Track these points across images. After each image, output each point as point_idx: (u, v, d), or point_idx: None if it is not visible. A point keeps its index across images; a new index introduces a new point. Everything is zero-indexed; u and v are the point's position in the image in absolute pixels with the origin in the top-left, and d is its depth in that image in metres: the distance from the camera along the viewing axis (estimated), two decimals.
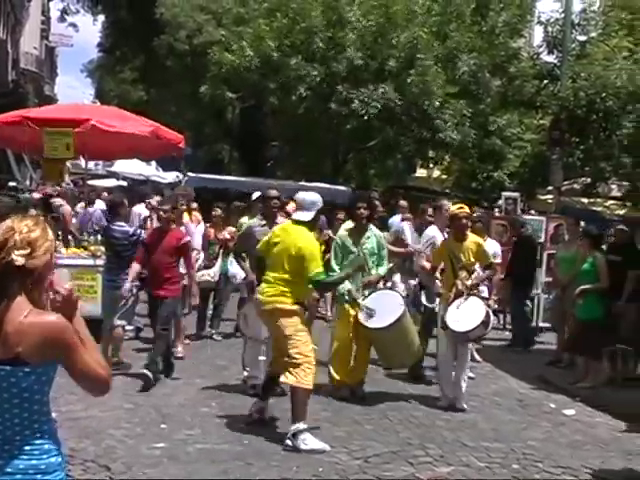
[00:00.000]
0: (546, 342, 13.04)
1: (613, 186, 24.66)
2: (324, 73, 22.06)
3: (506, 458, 7.37)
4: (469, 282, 9.18)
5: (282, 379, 7.56)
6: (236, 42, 23.39)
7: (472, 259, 9.32)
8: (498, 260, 12.04)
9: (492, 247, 12.01)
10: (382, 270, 9.46)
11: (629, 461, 7.46)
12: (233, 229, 13.02)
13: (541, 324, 14.80)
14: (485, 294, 11.29)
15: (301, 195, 7.98)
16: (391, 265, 10.44)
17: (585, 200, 24.09)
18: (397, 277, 11.66)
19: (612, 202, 24.45)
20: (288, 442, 7.25)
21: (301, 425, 7.30)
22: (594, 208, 22.95)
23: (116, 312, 10.17)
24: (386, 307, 8.92)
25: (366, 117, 21.63)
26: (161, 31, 29.94)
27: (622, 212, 22.72)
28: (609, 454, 7.75)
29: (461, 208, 9.46)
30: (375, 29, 22.22)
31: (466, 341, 9.31)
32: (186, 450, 7.14)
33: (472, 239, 9.45)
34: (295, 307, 7.51)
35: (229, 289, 13.04)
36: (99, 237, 12.23)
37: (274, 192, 9.36)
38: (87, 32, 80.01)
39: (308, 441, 7.23)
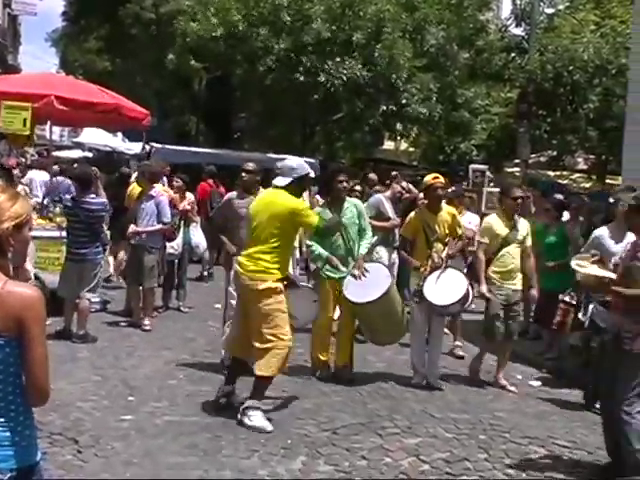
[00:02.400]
0: None
1: (579, 159, 24.88)
2: (291, 44, 21.94)
3: (473, 429, 7.43)
4: (444, 254, 8.95)
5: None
6: (202, 11, 23.18)
7: (447, 231, 9.09)
8: (472, 227, 11.58)
9: (470, 219, 11.89)
10: (365, 245, 8.94)
11: (593, 431, 7.54)
12: (192, 199, 13.00)
13: None
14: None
15: (283, 162, 7.88)
16: (375, 238, 10.08)
17: (551, 173, 24.26)
18: (383, 251, 11.20)
19: (578, 175, 24.66)
20: (238, 415, 7.18)
21: (254, 403, 7.19)
22: (560, 181, 23.13)
23: (82, 285, 10.13)
24: (372, 280, 8.57)
25: (332, 89, 21.56)
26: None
27: (588, 185, 22.92)
28: (575, 424, 7.84)
29: (436, 178, 9.20)
30: (342, 1, 22.09)
31: (443, 315, 9.20)
32: (154, 422, 7.12)
33: (447, 210, 9.27)
34: (277, 285, 7.22)
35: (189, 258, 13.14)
36: (57, 209, 12.15)
37: (252, 165, 9.24)
38: (51, 0, 78.86)
39: (253, 418, 7.09)
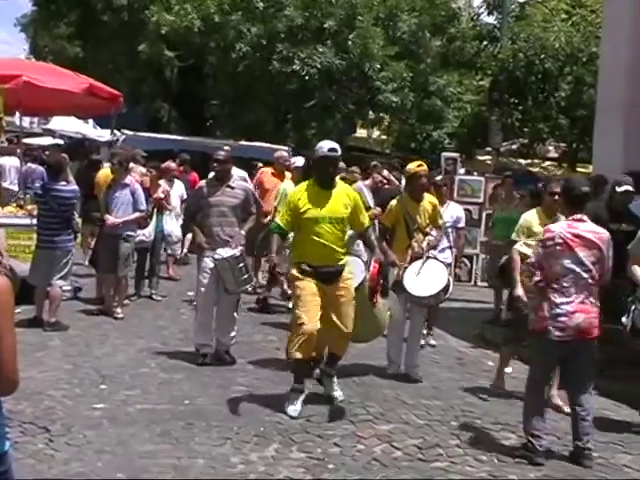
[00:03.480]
0: (485, 301, 13.18)
1: (550, 147, 25.04)
2: (264, 31, 21.89)
3: (445, 415, 7.47)
4: (424, 244, 8.78)
5: None
6: (178, 2, 23.09)
7: (427, 220, 8.92)
8: (462, 225, 11.35)
9: (457, 212, 11.31)
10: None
11: (563, 417, 7.59)
12: (168, 188, 12.95)
13: (480, 283, 15.02)
14: (450, 260, 10.68)
15: None
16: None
17: (523, 161, 24.43)
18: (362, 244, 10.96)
19: (549, 162, 24.85)
20: None
21: (291, 386, 7.37)
22: (531, 169, 23.31)
23: (53, 273, 10.08)
24: None
25: (307, 77, 21.53)
26: None
27: (559, 172, 23.09)
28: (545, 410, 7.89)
29: (421, 166, 8.96)
30: None
31: (424, 306, 9.05)
32: (126, 411, 7.10)
33: (428, 199, 9.05)
34: (293, 270, 7.38)
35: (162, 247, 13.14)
36: (28, 196, 12.07)
37: (223, 154, 9.15)
38: None
39: (289, 407, 7.20)
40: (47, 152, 20.12)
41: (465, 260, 14.48)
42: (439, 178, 11.69)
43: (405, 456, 6.41)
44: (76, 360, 8.67)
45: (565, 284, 6.38)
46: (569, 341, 6.37)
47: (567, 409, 7.39)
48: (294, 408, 7.16)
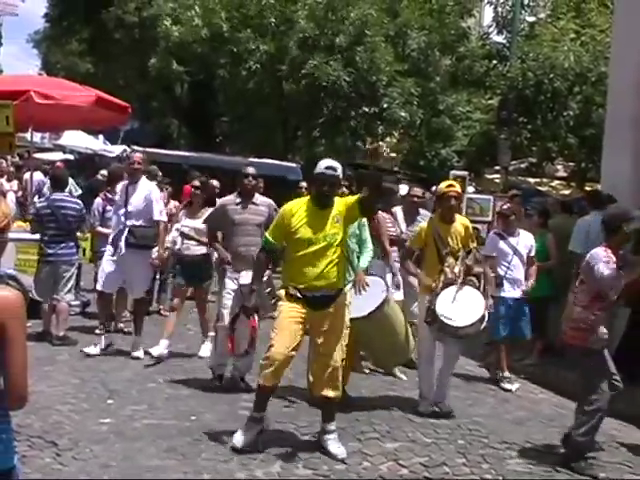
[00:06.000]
0: None
1: (559, 166, 25.02)
2: (274, 48, 22.00)
3: (452, 434, 7.47)
4: (457, 269, 8.15)
5: None
6: (185, 14, 23.21)
7: (460, 244, 8.24)
8: (533, 253, 10.18)
9: (530, 240, 10.24)
10: (364, 261, 7.97)
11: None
12: (178, 204, 12.91)
13: None
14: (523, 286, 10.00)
15: None
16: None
17: (531, 180, 24.41)
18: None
19: (558, 182, 24.82)
20: None
21: (251, 412, 6.91)
22: (540, 188, 23.26)
23: (58, 287, 10.10)
24: (367, 295, 7.68)
25: (317, 84, 21.61)
26: (109, 2, 29.50)
27: (567, 192, 23.06)
28: (552, 430, 7.88)
29: (451, 186, 8.37)
30: (326, 4, 22.17)
31: (459, 337, 8.30)
32: (133, 426, 7.12)
33: (460, 221, 8.43)
34: (281, 292, 6.90)
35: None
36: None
37: (251, 170, 8.68)
38: (33, 1, 78.36)
39: (237, 434, 6.77)
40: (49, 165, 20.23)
41: (474, 279, 14.41)
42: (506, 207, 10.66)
43: (411, 474, 6.41)
44: (84, 375, 8.71)
45: None
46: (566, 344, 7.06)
47: None
48: (239, 439, 6.68)
